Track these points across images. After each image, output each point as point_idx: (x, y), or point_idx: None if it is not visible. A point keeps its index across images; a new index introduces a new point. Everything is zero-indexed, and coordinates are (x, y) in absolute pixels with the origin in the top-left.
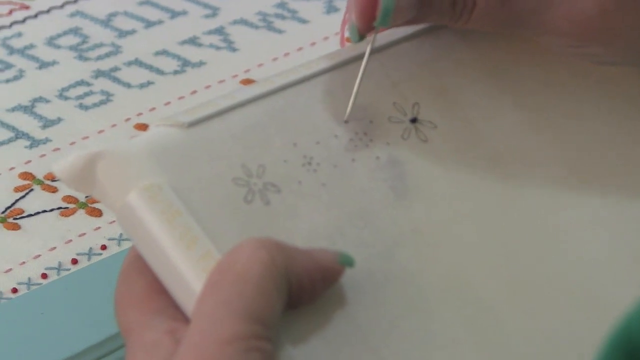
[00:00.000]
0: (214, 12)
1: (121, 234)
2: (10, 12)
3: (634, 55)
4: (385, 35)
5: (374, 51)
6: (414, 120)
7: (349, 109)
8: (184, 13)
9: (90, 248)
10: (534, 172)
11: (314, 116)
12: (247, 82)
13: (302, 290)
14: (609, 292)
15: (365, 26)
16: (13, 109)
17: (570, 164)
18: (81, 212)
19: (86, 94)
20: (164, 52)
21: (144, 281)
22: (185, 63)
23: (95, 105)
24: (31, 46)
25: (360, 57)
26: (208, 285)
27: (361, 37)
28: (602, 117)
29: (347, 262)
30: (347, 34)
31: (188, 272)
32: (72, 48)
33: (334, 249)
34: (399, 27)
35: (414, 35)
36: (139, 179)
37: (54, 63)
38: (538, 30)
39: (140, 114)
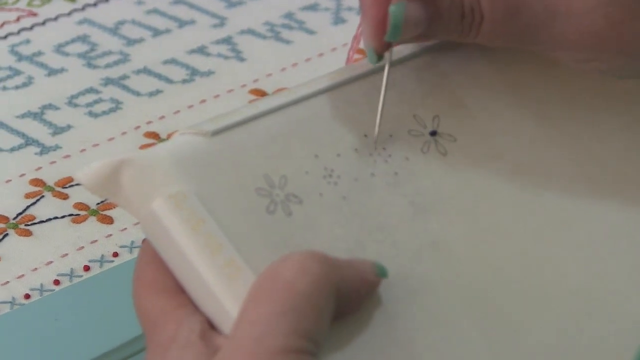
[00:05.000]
0: (222, 21)
1: (133, 242)
2: (18, 19)
3: None
4: (406, 48)
5: (394, 64)
6: (433, 133)
7: (375, 133)
8: (191, 22)
9: (102, 255)
10: (553, 185)
11: (335, 128)
12: (257, 92)
13: (348, 302)
14: (631, 304)
15: (379, 44)
16: (23, 116)
17: (589, 177)
18: (92, 219)
19: (95, 102)
20: (172, 61)
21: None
22: (194, 72)
23: (104, 112)
24: (40, 53)
25: (381, 69)
26: (258, 291)
27: (379, 57)
28: (621, 131)
29: (383, 273)
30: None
31: (212, 279)
32: (80, 55)
33: (369, 260)
34: (410, 42)
35: (433, 48)
36: (164, 187)
37: (62, 70)
38: (548, 44)
39: (150, 122)
